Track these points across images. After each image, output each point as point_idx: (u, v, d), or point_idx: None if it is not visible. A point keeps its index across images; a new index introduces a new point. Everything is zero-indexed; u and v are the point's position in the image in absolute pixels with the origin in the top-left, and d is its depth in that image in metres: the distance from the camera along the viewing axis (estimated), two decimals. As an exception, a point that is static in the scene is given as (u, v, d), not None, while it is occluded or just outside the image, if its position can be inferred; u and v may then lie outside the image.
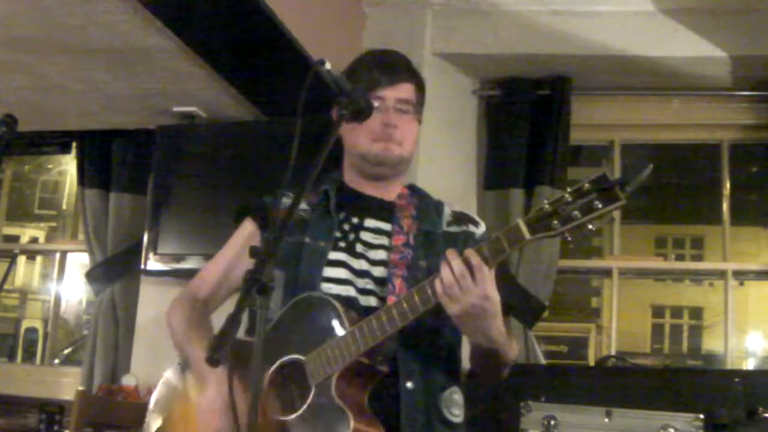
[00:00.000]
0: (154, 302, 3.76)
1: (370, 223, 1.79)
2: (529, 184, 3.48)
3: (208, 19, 2.74)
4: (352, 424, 1.51)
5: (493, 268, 1.50)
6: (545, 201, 1.43)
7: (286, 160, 1.45)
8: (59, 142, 4.33)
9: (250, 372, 1.29)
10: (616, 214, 3.76)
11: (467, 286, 1.47)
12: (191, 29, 2.80)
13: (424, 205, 1.84)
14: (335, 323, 1.58)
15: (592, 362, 3.47)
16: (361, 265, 1.73)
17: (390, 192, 1.83)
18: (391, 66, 1.80)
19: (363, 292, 1.71)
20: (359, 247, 1.75)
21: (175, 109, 3.55)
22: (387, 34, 3.61)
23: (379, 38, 3.61)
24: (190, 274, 3.52)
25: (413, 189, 1.89)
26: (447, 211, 1.85)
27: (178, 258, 3.52)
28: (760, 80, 3.51)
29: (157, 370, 3.56)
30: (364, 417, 1.56)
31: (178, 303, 1.86)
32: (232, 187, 3.49)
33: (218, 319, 1.85)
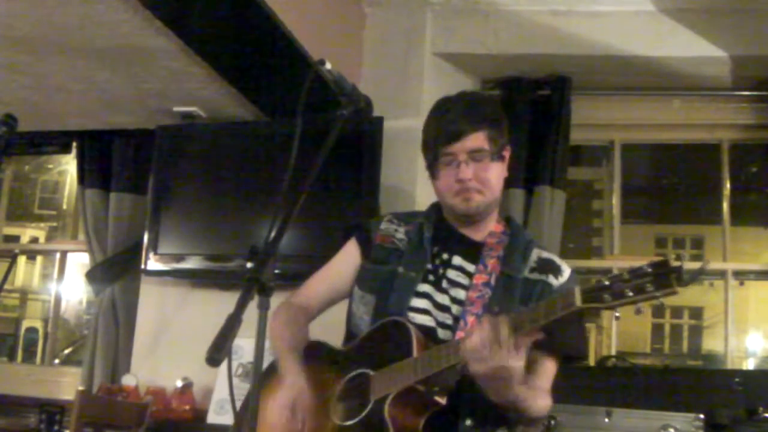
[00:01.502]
0: (154, 302, 3.77)
1: (457, 261, 1.85)
2: (529, 184, 3.48)
3: (208, 19, 2.74)
4: None
5: (526, 335, 1.53)
6: (607, 277, 1.46)
7: (286, 160, 1.46)
8: (59, 142, 4.32)
9: (254, 371, 1.30)
10: (616, 214, 3.78)
11: (491, 354, 1.52)
12: (191, 29, 2.79)
13: (513, 245, 1.87)
14: (406, 347, 1.67)
15: (592, 362, 3.46)
16: (444, 300, 1.81)
17: (482, 231, 1.89)
18: (455, 119, 1.78)
19: (442, 325, 1.78)
20: (445, 283, 1.82)
21: (175, 109, 3.55)
22: (387, 34, 3.61)
23: (379, 38, 3.61)
24: (190, 274, 3.56)
25: (509, 223, 1.93)
26: (534, 256, 1.87)
27: (178, 258, 3.52)
28: (760, 80, 3.51)
29: (157, 370, 3.59)
30: None
31: (283, 306, 1.96)
32: (232, 187, 3.49)
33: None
